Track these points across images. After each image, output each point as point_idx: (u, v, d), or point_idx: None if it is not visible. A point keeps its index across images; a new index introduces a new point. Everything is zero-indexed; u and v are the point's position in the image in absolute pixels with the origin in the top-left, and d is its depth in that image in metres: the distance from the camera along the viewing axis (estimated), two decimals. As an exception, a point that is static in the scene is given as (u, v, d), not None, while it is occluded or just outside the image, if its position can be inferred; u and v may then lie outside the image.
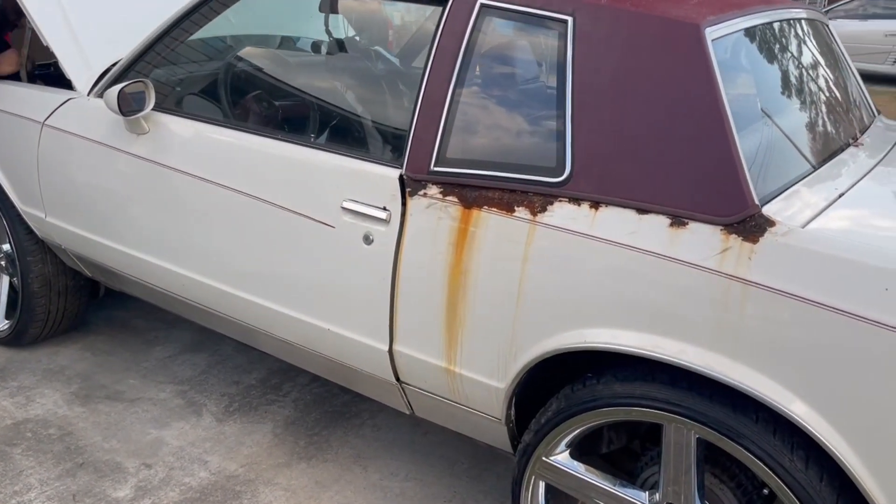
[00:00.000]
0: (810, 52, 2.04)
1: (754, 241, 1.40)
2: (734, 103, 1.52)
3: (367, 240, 1.83)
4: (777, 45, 1.88)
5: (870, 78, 10.48)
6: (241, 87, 2.33)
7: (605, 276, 1.53)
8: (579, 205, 1.58)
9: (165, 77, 2.36)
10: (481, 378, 1.74)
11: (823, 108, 1.94)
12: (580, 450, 1.76)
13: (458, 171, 1.72)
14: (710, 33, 1.53)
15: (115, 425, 2.53)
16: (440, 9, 1.79)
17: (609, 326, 1.53)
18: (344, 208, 1.86)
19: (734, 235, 1.42)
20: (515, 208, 1.64)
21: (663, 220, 1.49)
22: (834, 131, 1.90)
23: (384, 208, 1.80)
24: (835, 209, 1.50)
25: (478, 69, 1.74)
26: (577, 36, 1.61)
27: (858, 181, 1.66)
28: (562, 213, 1.59)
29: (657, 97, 1.51)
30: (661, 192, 1.49)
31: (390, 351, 1.88)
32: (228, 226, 2.09)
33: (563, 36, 1.63)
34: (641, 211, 1.51)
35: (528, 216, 1.62)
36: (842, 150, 1.85)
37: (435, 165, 1.75)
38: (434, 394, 1.88)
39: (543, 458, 1.71)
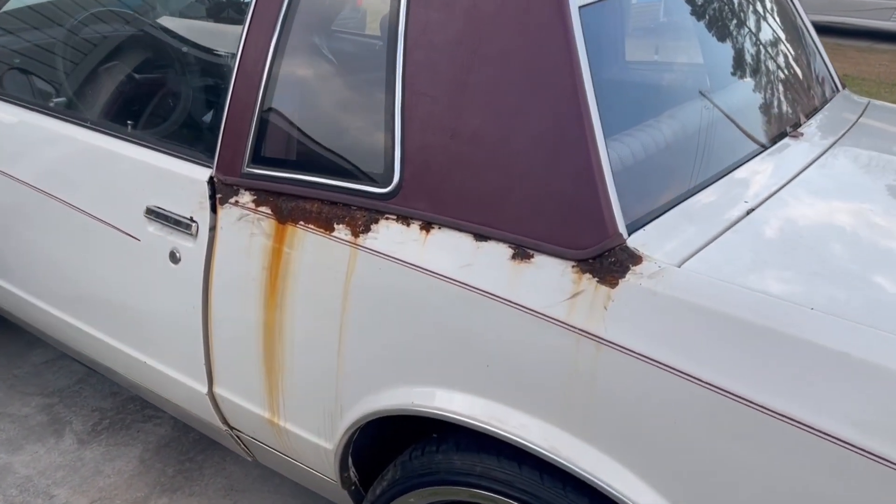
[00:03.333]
0: (734, 19, 1.62)
1: (612, 283, 1.02)
2: (608, 91, 1.13)
3: (174, 257, 1.47)
4: (685, 13, 1.47)
5: (873, 35, 9.91)
6: (45, 63, 1.93)
7: (435, 320, 1.16)
8: (409, 224, 1.21)
9: None
10: (307, 436, 1.39)
11: (747, 92, 1.53)
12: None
13: (272, 174, 1.35)
14: (579, -5, 1.14)
15: (-42, 451, 2.21)
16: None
17: (442, 386, 1.17)
18: (147, 217, 1.50)
19: (588, 275, 1.04)
20: (335, 226, 1.27)
21: (505, 251, 1.11)
22: (762, 119, 1.50)
23: (191, 219, 1.43)
24: (735, 234, 1.12)
25: (300, 42, 1.36)
26: (412, 2, 1.22)
27: (780, 189, 1.27)
28: (387, 234, 1.22)
29: (502, 83, 1.13)
30: (504, 211, 1.11)
31: (211, 393, 1.53)
32: (38, 235, 1.72)
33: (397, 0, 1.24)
34: (480, 237, 1.14)
35: (349, 237, 1.25)
36: (771, 143, 1.45)
37: (248, 165, 1.38)
38: (267, 445, 1.53)
39: (381, 537, 1.37)
